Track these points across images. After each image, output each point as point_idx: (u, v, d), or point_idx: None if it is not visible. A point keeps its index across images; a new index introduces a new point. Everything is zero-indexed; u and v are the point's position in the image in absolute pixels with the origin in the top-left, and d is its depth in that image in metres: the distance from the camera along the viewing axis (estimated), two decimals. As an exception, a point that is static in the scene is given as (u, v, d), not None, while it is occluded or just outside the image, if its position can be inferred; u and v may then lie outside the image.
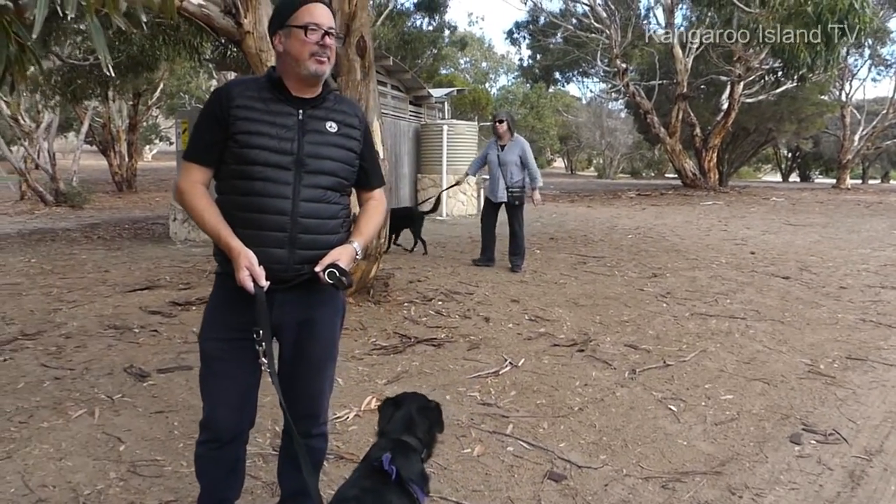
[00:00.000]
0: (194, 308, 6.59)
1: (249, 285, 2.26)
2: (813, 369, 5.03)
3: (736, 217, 16.58)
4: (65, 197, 18.89)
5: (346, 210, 2.53)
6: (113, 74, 11.52)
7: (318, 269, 2.33)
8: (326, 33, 2.36)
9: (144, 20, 3.13)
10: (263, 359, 2.29)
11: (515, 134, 8.79)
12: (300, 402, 2.61)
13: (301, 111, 2.39)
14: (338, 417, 4.00)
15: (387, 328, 5.92)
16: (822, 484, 3.40)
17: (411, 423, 2.30)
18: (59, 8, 2.46)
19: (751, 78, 25.30)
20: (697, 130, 27.68)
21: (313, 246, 2.38)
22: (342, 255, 2.39)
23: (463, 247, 11.04)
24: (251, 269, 2.26)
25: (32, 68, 3.08)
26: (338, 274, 2.33)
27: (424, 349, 5.40)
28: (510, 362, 5.07)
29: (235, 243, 2.28)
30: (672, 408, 4.30)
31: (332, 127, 2.43)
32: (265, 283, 2.29)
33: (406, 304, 6.78)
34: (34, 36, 2.54)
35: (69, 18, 2.64)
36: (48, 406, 4.18)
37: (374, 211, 2.66)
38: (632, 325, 6.18)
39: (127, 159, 25.03)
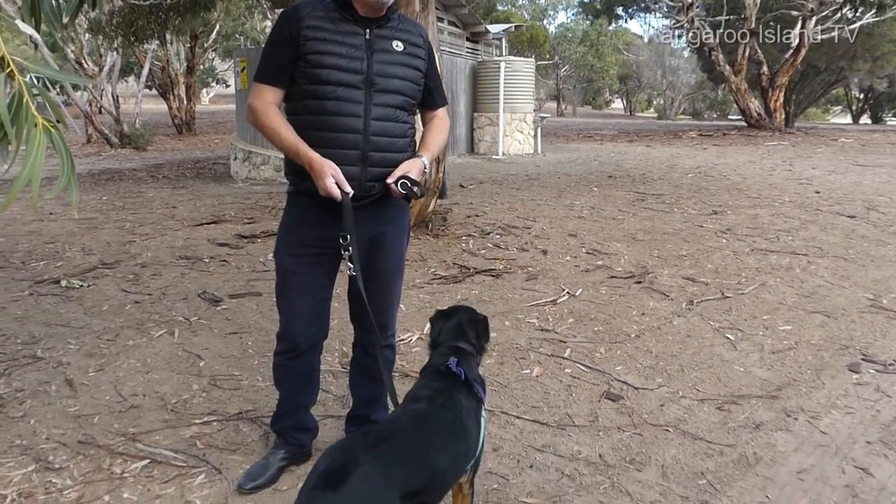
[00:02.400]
0: (259, 241, 6.84)
1: (336, 192, 2.36)
2: (875, 304, 4.99)
3: (801, 157, 16.10)
4: (129, 139, 19.43)
5: (412, 129, 2.63)
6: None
7: (389, 180, 2.45)
8: None
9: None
10: (349, 263, 2.42)
11: None
12: (371, 315, 2.75)
13: (368, 31, 2.46)
14: (402, 340, 4.17)
15: (446, 259, 6.06)
16: (880, 409, 3.43)
17: (463, 331, 2.43)
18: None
19: (824, 13, 24.15)
20: (764, 69, 26.61)
21: (383, 163, 2.49)
22: (412, 168, 2.50)
23: (520, 184, 11.05)
24: (336, 177, 2.37)
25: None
26: (409, 184, 2.44)
27: (483, 279, 5.53)
28: (568, 292, 5.17)
29: (315, 155, 2.38)
30: (729, 336, 4.35)
31: (398, 46, 2.51)
32: (350, 190, 2.40)
33: (464, 237, 6.90)
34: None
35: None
36: (131, 326, 4.46)
37: (439, 128, 2.75)
38: (690, 259, 6.18)
39: (185, 102, 25.48)
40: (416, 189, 2.46)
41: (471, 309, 2.55)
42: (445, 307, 2.60)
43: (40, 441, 3.02)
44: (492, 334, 2.75)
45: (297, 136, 2.43)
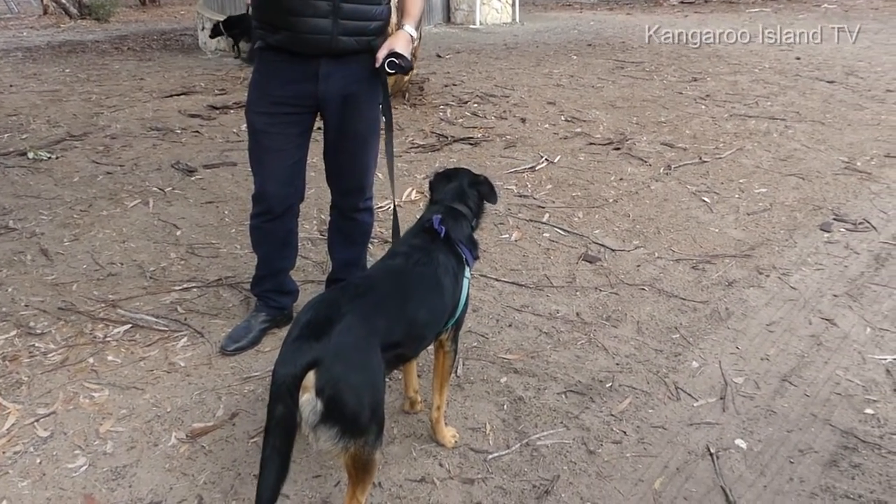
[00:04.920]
0: (232, 112, 6.65)
1: None
2: (849, 166, 5.02)
3: (783, 24, 15.75)
4: (89, 10, 18.44)
5: (386, -20, 2.50)
6: None
7: (377, 63, 2.39)
8: None
9: None
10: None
11: None
12: (347, 176, 2.72)
13: None
14: (380, 207, 4.15)
15: (423, 129, 5.96)
16: (848, 265, 3.52)
17: (462, 193, 2.38)
18: None
19: None
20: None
21: (356, 16, 2.38)
22: (397, 42, 2.42)
23: (497, 53, 10.75)
24: None
25: None
26: (397, 62, 2.39)
27: (461, 147, 5.47)
28: (546, 159, 5.13)
29: None
30: (705, 199, 4.38)
31: None
32: None
33: (442, 106, 6.76)
34: None
35: None
36: (104, 197, 4.39)
37: None
38: (669, 125, 6.13)
39: (147, -31, 24.10)
40: (403, 64, 2.41)
41: (469, 171, 2.50)
42: (444, 170, 2.53)
43: (20, 308, 3.03)
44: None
45: None
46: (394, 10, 2.94)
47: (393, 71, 2.42)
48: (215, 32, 10.13)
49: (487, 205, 2.45)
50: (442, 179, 2.44)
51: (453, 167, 2.56)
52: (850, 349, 2.80)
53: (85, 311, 3.01)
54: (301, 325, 1.75)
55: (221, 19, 10.14)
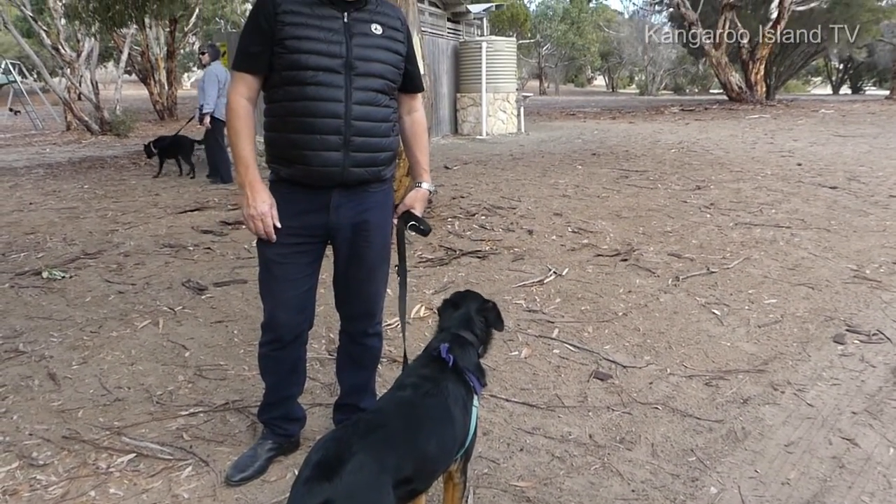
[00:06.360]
0: (243, 227, 6.76)
1: (260, 228, 2.45)
2: (858, 274, 5.02)
3: (783, 130, 16.14)
4: (109, 126, 19.16)
5: (395, 113, 2.59)
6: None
7: (396, 221, 2.61)
8: None
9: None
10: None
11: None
12: (357, 303, 2.74)
13: (346, 14, 2.41)
14: (389, 325, 4.15)
15: (432, 242, 6.03)
16: (864, 380, 3.46)
17: (469, 320, 2.40)
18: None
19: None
20: (745, 42, 26.63)
21: (366, 148, 2.45)
22: (416, 203, 2.64)
23: (504, 164, 11.01)
24: (265, 218, 2.43)
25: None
26: (419, 225, 2.61)
27: (470, 261, 5.51)
28: (554, 272, 5.16)
29: (259, 185, 2.43)
30: (715, 312, 4.36)
31: (377, 29, 2.46)
32: (279, 224, 2.47)
33: (450, 219, 6.87)
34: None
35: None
36: (115, 317, 4.41)
37: (422, 135, 2.80)
38: (675, 235, 6.19)
39: (166, 87, 25.20)
40: (423, 228, 2.62)
41: (478, 295, 2.52)
42: (451, 295, 2.56)
43: (23, 437, 2.98)
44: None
45: (253, 153, 2.45)
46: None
47: (414, 232, 2.63)
48: (148, 152, 11.18)
49: (495, 331, 2.45)
50: (449, 306, 2.46)
51: (461, 292, 2.57)
52: (874, 472, 2.71)
53: (89, 439, 2.97)
54: (312, 466, 1.73)
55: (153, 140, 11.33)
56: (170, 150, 11.01)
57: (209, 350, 3.92)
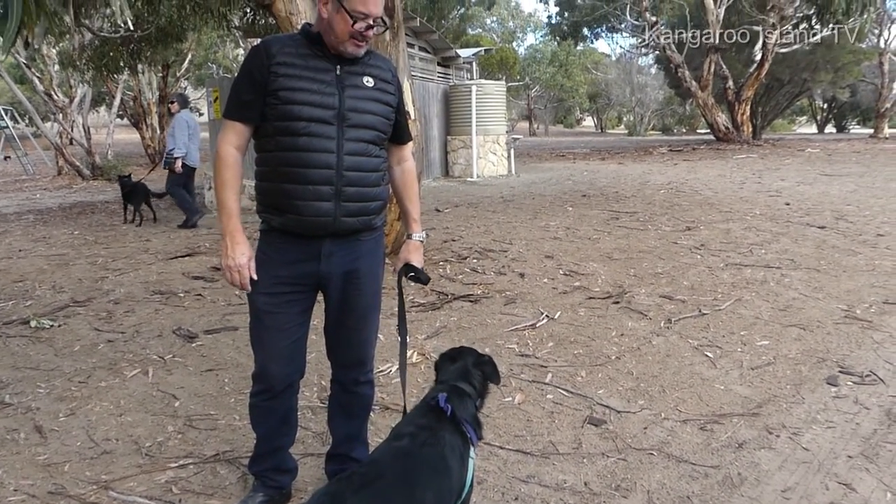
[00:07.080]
0: (234, 273, 6.74)
1: (236, 279, 2.47)
2: (849, 314, 5.04)
3: (770, 169, 16.33)
4: (101, 171, 19.23)
5: (385, 163, 2.62)
6: (132, 27, 11.63)
7: (396, 272, 2.69)
8: (371, 25, 2.40)
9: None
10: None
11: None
12: (348, 351, 2.72)
13: (339, 67, 2.44)
14: (381, 371, 4.12)
15: (424, 286, 6.01)
16: (859, 422, 3.44)
17: (466, 373, 2.41)
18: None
19: (785, 27, 24.65)
20: (730, 83, 27.09)
21: (358, 198, 2.47)
22: (413, 256, 2.68)
23: (495, 206, 11.07)
24: (242, 270, 2.45)
25: (65, 39, 3.33)
26: (418, 276, 2.67)
27: (462, 305, 5.50)
28: (546, 315, 5.15)
29: (240, 236, 2.45)
30: (708, 354, 4.35)
31: (368, 82, 2.49)
32: (255, 277, 2.49)
33: (441, 262, 6.88)
34: None
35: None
36: (104, 367, 4.36)
37: (412, 185, 2.84)
38: (666, 276, 6.20)
39: (159, 131, 25.27)
40: (422, 278, 2.68)
41: (474, 351, 2.55)
42: (448, 350, 2.59)
43: (8, 493, 2.92)
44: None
45: (237, 203, 2.48)
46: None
47: (414, 283, 2.70)
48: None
49: (491, 385, 2.46)
50: (447, 360, 2.47)
51: (458, 347, 2.61)
52: (871, 518, 2.68)
53: (76, 494, 2.91)
54: (306, 522, 1.70)
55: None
56: (130, 196, 11.00)
57: (199, 399, 3.88)
